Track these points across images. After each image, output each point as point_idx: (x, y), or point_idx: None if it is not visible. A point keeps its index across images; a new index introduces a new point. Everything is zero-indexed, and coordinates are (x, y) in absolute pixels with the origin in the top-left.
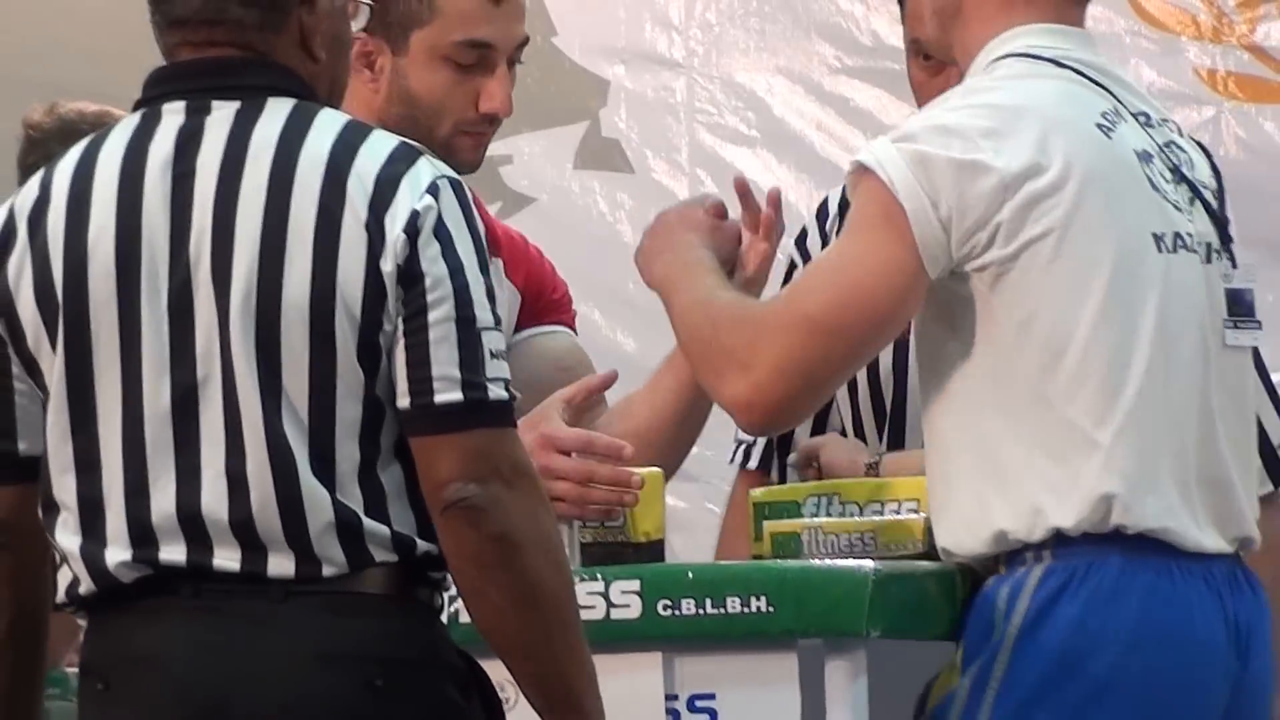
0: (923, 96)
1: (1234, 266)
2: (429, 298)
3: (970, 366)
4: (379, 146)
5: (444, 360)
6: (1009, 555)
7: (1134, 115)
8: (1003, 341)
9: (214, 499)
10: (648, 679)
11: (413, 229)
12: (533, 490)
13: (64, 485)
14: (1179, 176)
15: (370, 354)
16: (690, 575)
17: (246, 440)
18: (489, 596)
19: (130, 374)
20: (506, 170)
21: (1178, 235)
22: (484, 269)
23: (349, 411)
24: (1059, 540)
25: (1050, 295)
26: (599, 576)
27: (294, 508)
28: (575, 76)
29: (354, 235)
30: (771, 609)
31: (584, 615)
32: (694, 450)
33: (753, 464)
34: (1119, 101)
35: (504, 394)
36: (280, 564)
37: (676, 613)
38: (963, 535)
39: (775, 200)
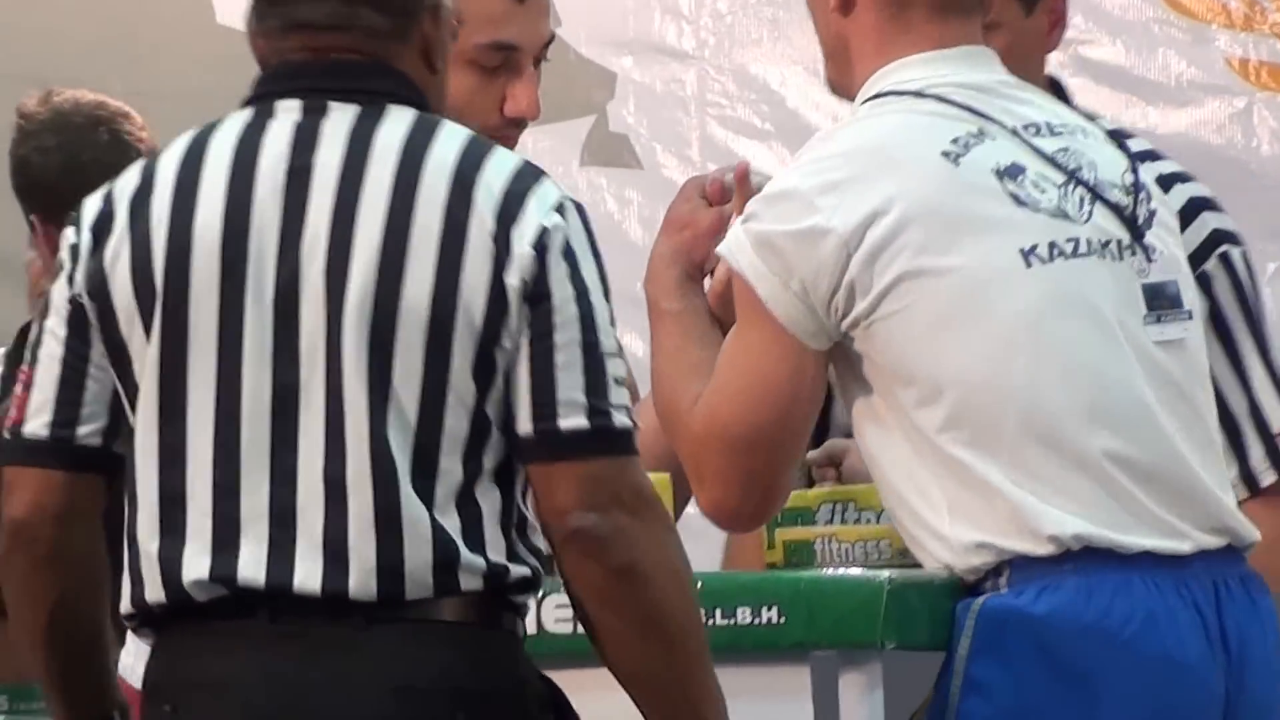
0: None
1: (1149, 260)
2: (556, 319)
3: (878, 418)
4: (505, 161)
5: (569, 385)
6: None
7: (1015, 129)
8: (890, 393)
9: (309, 501)
10: None
11: (541, 246)
12: (658, 518)
13: (147, 479)
14: (1074, 180)
15: (486, 368)
16: (699, 585)
17: (349, 444)
18: (613, 628)
19: (227, 368)
20: None
21: (1054, 244)
22: (607, 294)
23: (457, 426)
24: (1009, 565)
25: (916, 340)
26: None
27: (391, 522)
28: (581, 69)
29: (480, 245)
30: (783, 620)
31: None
32: None
33: None
34: (988, 119)
35: (627, 421)
36: (364, 583)
37: None
38: (926, 559)
39: (743, 173)
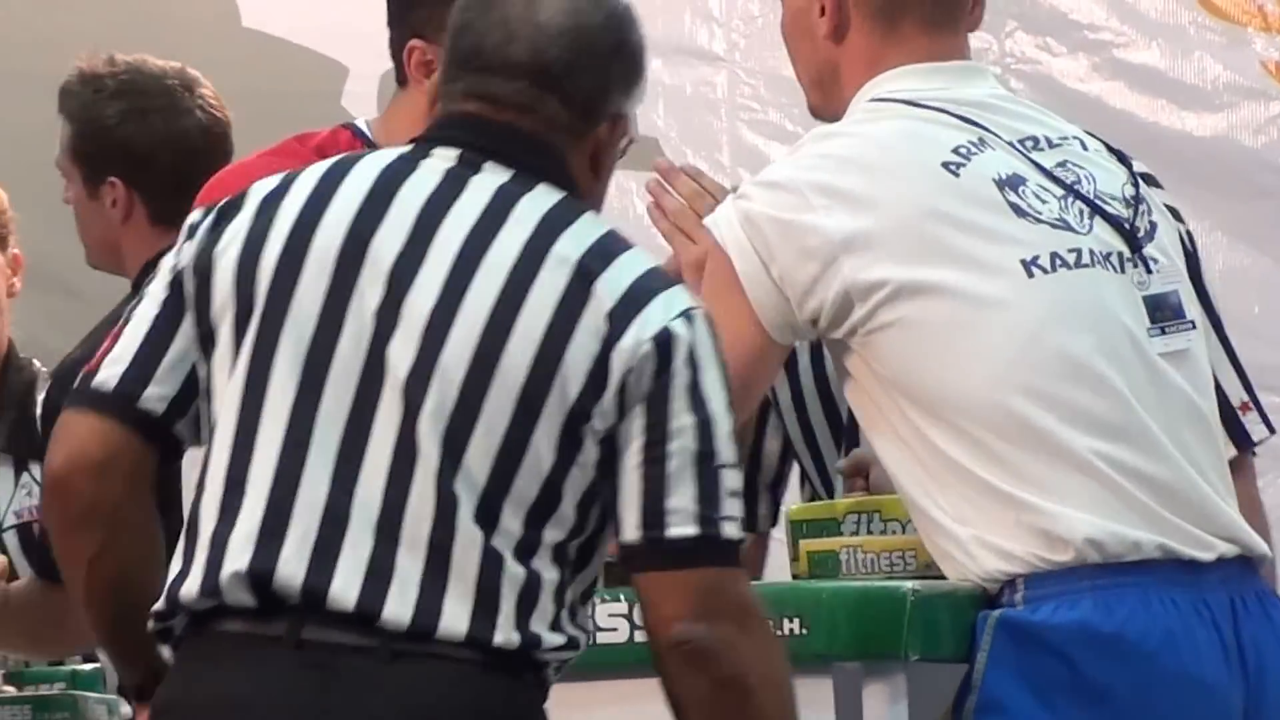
0: None
1: (1149, 272)
2: (672, 426)
3: (887, 428)
4: (640, 258)
5: (682, 493)
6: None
7: (1014, 141)
8: (895, 404)
9: (363, 516)
10: None
11: (665, 347)
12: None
13: (217, 465)
14: (1073, 194)
15: (570, 440)
16: None
17: (416, 476)
18: None
19: (313, 371)
20: None
21: (1055, 255)
22: (730, 407)
23: (527, 489)
24: (1025, 579)
25: (918, 351)
26: (622, 598)
27: (442, 556)
28: None
29: (593, 322)
30: (805, 631)
31: (606, 638)
32: None
33: None
34: (987, 130)
35: (736, 535)
36: (398, 609)
37: None
38: (947, 568)
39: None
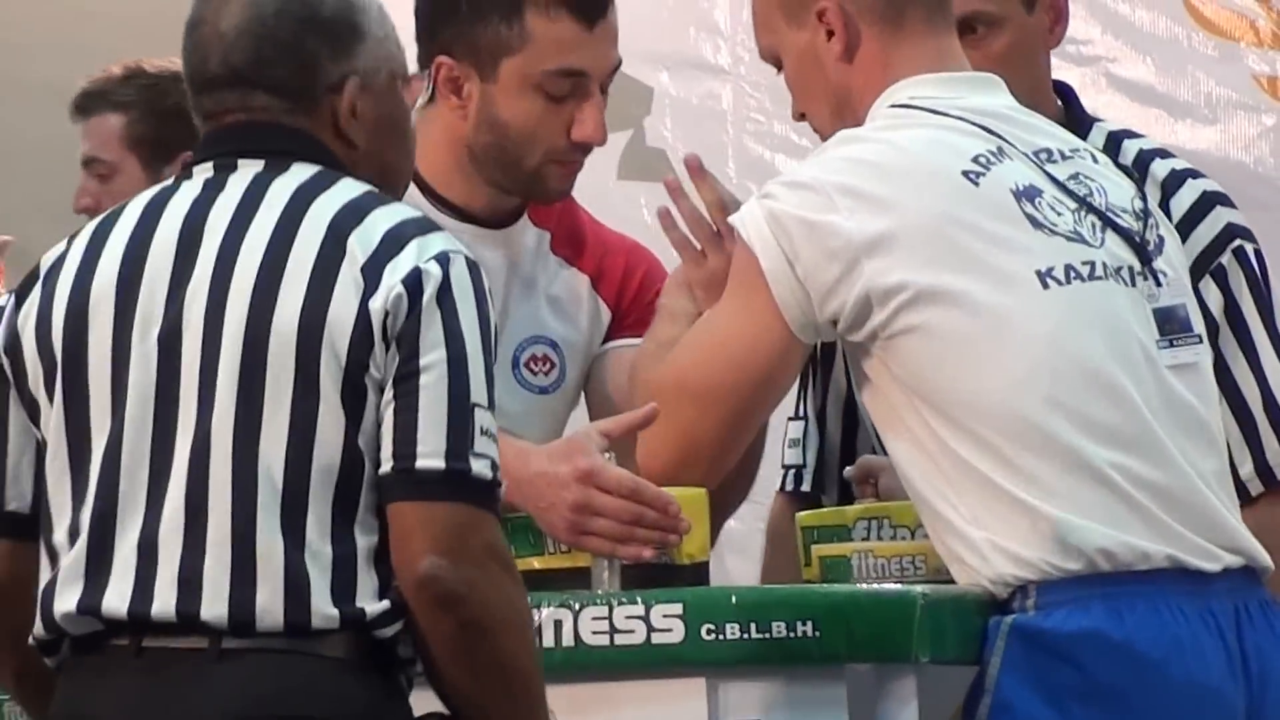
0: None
1: (1158, 285)
2: (422, 361)
3: (904, 431)
4: (397, 210)
5: (433, 427)
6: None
7: (1028, 153)
8: (913, 408)
9: (171, 530)
10: (691, 706)
11: (414, 286)
12: (509, 574)
13: (61, 525)
14: (1086, 207)
15: (354, 397)
16: (734, 599)
17: (212, 470)
18: (457, 678)
19: (118, 412)
20: None
21: (1070, 267)
22: (487, 349)
23: (327, 458)
24: (1036, 586)
25: (935, 358)
26: (639, 600)
27: (245, 550)
28: (618, 83)
29: (349, 277)
30: (818, 634)
31: (623, 640)
32: None
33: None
34: (1005, 141)
35: (488, 474)
36: (214, 607)
37: (721, 637)
38: (958, 572)
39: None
